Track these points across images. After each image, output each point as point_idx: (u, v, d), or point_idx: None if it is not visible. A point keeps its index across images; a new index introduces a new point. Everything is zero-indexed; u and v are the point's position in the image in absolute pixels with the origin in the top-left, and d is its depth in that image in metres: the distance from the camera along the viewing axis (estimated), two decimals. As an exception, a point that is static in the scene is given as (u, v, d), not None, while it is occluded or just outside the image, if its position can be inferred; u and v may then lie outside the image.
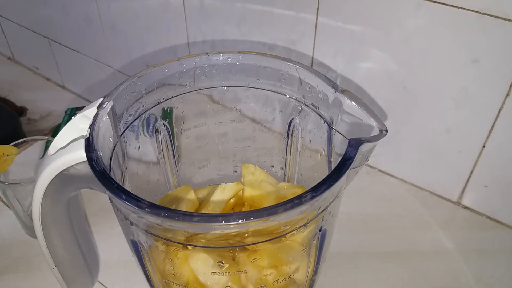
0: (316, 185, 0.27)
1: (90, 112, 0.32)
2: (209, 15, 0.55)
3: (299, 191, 0.40)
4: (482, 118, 0.44)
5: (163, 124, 0.41)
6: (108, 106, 0.33)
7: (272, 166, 0.46)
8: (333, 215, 0.33)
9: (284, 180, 0.46)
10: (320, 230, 0.33)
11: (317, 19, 0.48)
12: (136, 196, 0.26)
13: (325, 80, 0.34)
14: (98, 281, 0.44)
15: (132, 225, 0.30)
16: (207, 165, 0.47)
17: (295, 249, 0.34)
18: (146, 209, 0.26)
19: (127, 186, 0.37)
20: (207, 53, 0.38)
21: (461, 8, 0.39)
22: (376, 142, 0.30)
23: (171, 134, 0.42)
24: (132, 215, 0.29)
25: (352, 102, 0.32)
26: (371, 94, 0.50)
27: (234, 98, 0.42)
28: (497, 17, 0.38)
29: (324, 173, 0.37)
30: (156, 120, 0.40)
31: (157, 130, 0.41)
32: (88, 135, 0.30)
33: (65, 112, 0.66)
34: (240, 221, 0.25)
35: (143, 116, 0.38)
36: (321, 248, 0.35)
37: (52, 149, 0.32)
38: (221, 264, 0.32)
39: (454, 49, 0.42)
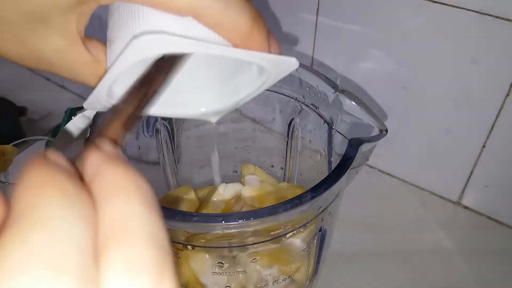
0: (316, 185, 0.27)
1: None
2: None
3: (299, 191, 0.40)
4: (482, 118, 0.44)
5: (163, 124, 0.41)
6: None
7: (272, 166, 0.46)
8: (333, 215, 0.33)
9: (284, 180, 0.46)
10: (320, 230, 0.33)
11: (317, 19, 0.48)
12: (136, 196, 0.26)
13: (325, 80, 0.34)
14: (98, 281, 0.44)
15: (132, 225, 0.30)
16: (207, 165, 0.47)
17: (295, 249, 0.34)
18: (146, 209, 0.26)
19: (127, 186, 0.37)
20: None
21: (461, 8, 0.39)
22: (376, 142, 0.30)
23: (171, 134, 0.42)
24: (132, 215, 0.29)
25: (352, 102, 0.32)
26: (371, 94, 0.50)
27: (234, 98, 0.42)
28: (497, 17, 0.38)
29: (324, 173, 0.37)
30: (156, 120, 0.40)
31: (157, 130, 0.41)
32: (88, 135, 0.30)
33: (65, 112, 0.66)
34: (240, 221, 0.25)
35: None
36: (321, 248, 0.35)
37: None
38: (221, 264, 0.32)
39: (454, 49, 0.42)
